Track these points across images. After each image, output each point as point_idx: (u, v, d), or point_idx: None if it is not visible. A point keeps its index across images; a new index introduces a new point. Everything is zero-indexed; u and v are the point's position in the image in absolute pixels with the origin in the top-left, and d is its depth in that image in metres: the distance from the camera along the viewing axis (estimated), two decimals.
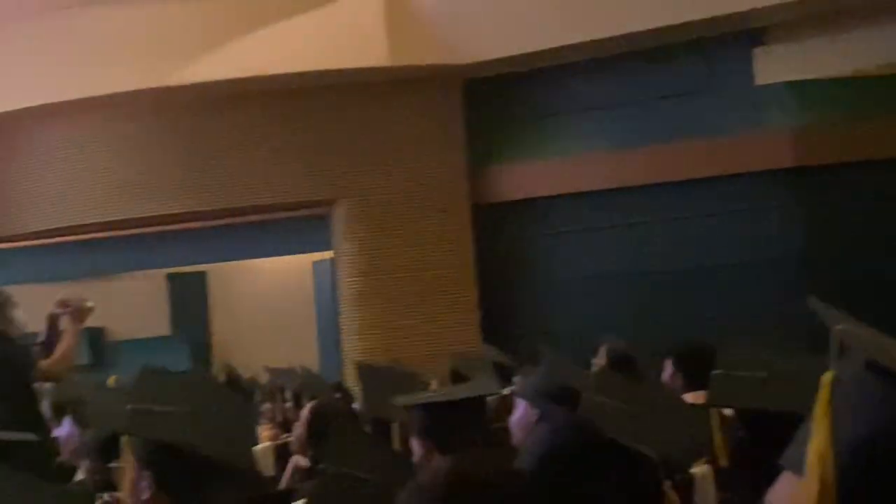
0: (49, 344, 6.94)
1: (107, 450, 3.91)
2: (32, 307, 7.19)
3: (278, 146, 11.83)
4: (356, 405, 6.66)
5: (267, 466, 5.81)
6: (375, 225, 11.84)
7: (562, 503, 2.22)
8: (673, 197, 10.91)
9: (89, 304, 7.11)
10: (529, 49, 11.15)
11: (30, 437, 4.35)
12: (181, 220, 12.46)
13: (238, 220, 12.66)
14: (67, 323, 6.97)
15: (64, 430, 5.05)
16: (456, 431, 3.59)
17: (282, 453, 6.07)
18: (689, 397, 4.44)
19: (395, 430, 3.89)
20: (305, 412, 5.42)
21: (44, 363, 6.68)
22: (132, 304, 14.06)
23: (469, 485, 1.99)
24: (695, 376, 4.78)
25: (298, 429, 5.46)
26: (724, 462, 3.27)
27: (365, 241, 11.90)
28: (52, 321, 7.00)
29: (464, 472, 2.03)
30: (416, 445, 3.66)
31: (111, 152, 12.11)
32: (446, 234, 11.85)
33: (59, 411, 6.18)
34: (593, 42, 10.84)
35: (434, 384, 6.27)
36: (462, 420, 3.68)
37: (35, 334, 7.22)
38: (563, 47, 10.96)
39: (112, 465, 3.72)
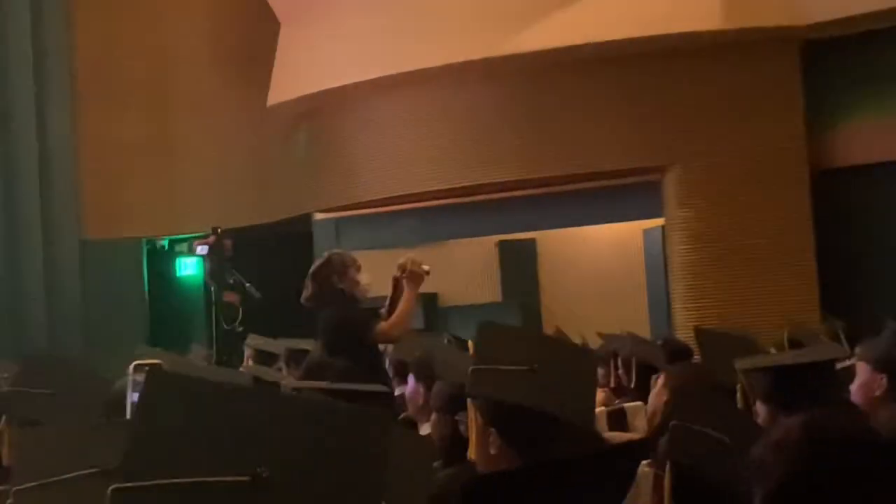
0: (392, 308, 7.14)
1: (453, 403, 4.00)
2: (371, 274, 7.47)
3: (609, 113, 11.80)
4: None
5: (601, 430, 5.80)
6: (708, 192, 11.63)
7: None
8: None
9: (426, 268, 7.24)
10: (869, 9, 10.68)
11: (379, 387, 4.50)
12: (512, 187, 12.63)
13: (569, 187, 12.70)
14: (405, 287, 7.11)
15: (409, 387, 5.20)
16: (803, 395, 3.49)
17: (616, 418, 6.05)
18: None
19: (738, 394, 3.80)
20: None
21: (382, 325, 6.87)
22: (464, 271, 14.37)
23: (826, 439, 1.92)
24: None
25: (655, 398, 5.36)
26: None
27: (697, 209, 11.70)
28: (396, 284, 7.18)
29: (820, 427, 1.96)
30: (760, 409, 3.58)
31: (445, 122, 12.41)
32: (783, 201, 11.50)
33: (402, 369, 6.39)
34: None
35: (773, 351, 6.12)
36: (809, 384, 3.57)
37: (376, 299, 7.47)
38: None
39: (458, 418, 3.80)
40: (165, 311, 15.79)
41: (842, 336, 6.19)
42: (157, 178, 15.09)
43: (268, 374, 5.80)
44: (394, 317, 6.99)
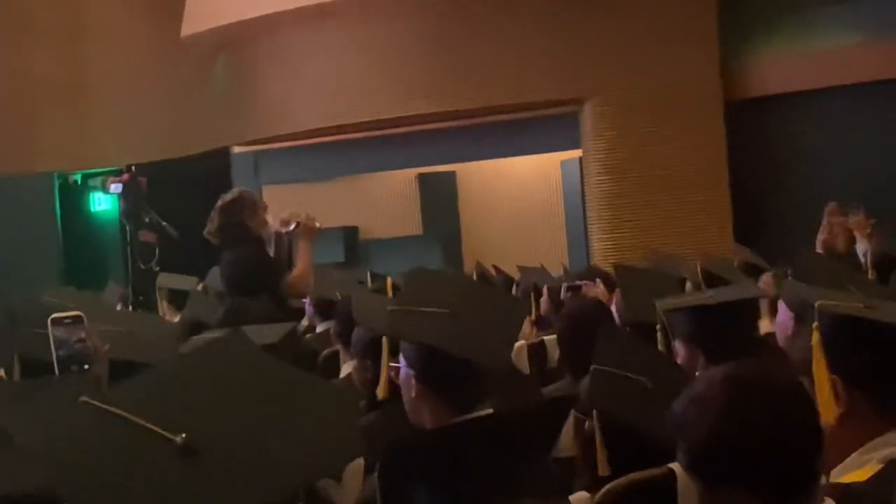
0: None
1: (373, 348, 3.99)
2: (288, 207, 7.35)
3: (527, 45, 11.77)
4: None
5: (522, 364, 5.84)
6: (624, 123, 11.68)
7: None
8: None
9: (317, 223, 6.94)
10: None
11: (292, 325, 4.44)
12: (432, 120, 12.58)
13: (487, 119, 12.69)
14: (300, 241, 6.86)
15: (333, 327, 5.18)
16: (723, 336, 3.52)
17: (537, 351, 6.10)
18: None
19: (658, 333, 3.82)
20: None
21: (291, 278, 6.67)
22: (384, 204, 14.34)
23: (747, 395, 1.93)
24: None
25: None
26: None
27: (613, 140, 11.76)
28: (279, 239, 6.91)
29: (741, 380, 1.97)
30: (680, 349, 3.61)
31: (362, 55, 12.29)
32: (698, 132, 11.60)
33: (324, 307, 6.36)
34: None
35: (689, 287, 6.19)
36: (729, 324, 3.60)
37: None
38: None
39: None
40: (79, 248, 15.55)
41: (745, 271, 6.28)
42: (69, 112, 14.78)
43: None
44: (300, 270, 6.73)
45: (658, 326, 3.76)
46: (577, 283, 6.79)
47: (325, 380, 1.86)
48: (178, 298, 7.73)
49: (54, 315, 2.89)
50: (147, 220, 8.73)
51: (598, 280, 6.68)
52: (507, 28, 11.81)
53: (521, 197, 14.12)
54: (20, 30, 14.59)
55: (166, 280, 8.31)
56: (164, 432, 1.45)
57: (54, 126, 14.72)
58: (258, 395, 1.56)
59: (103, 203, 15.48)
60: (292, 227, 6.77)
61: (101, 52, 14.83)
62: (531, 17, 11.77)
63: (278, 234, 6.84)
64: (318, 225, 6.82)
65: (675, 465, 2.35)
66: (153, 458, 1.46)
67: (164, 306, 7.70)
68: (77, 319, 2.84)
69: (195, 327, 4.77)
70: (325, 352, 5.64)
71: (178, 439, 1.44)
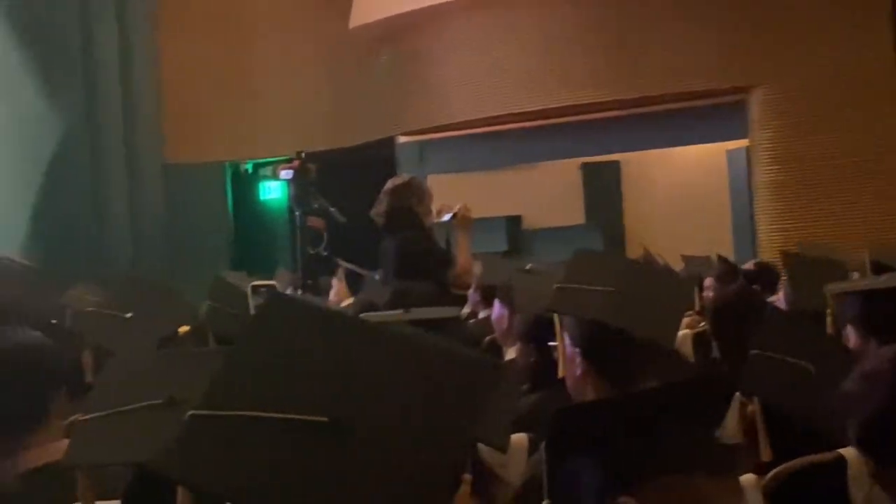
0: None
1: (536, 332, 4.01)
2: (452, 197, 7.38)
3: (694, 33, 11.62)
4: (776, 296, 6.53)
5: (686, 353, 5.78)
6: (793, 113, 11.44)
7: None
8: None
9: (471, 214, 6.91)
10: None
11: (454, 311, 4.49)
12: (595, 109, 12.53)
13: (652, 108, 12.57)
14: (459, 233, 6.85)
15: (495, 311, 5.21)
16: (894, 319, 3.45)
17: (700, 341, 6.03)
18: None
19: (828, 318, 3.77)
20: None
21: (456, 269, 6.68)
22: (547, 194, 14.33)
23: None
24: None
25: None
26: None
27: (782, 129, 11.53)
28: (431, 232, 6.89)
29: None
30: (851, 334, 3.55)
31: (523, 44, 12.32)
32: (871, 119, 11.28)
33: (489, 294, 6.40)
34: None
35: (856, 275, 6.05)
36: None
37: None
38: None
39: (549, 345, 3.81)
40: (249, 235, 15.94)
41: None
42: (240, 102, 15.15)
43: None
44: (462, 262, 6.73)
45: (828, 311, 3.71)
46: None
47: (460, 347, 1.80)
48: (354, 282, 7.86)
49: (253, 283, 3.04)
50: (315, 206, 8.91)
51: None
52: (669, 14, 11.68)
53: (686, 186, 13.96)
54: (191, 21, 15.01)
55: (345, 263, 8.41)
56: (307, 417, 1.38)
57: (225, 116, 15.10)
58: (383, 366, 1.48)
59: (273, 192, 15.83)
60: (448, 217, 6.80)
61: (270, 43, 15.16)
62: (695, 2, 11.62)
63: (432, 226, 6.88)
64: (472, 215, 6.83)
65: (845, 451, 2.31)
66: (307, 447, 1.38)
67: (340, 288, 7.80)
68: (271, 288, 2.99)
69: (366, 307, 4.87)
70: (488, 338, 5.68)
71: (325, 419, 1.38)
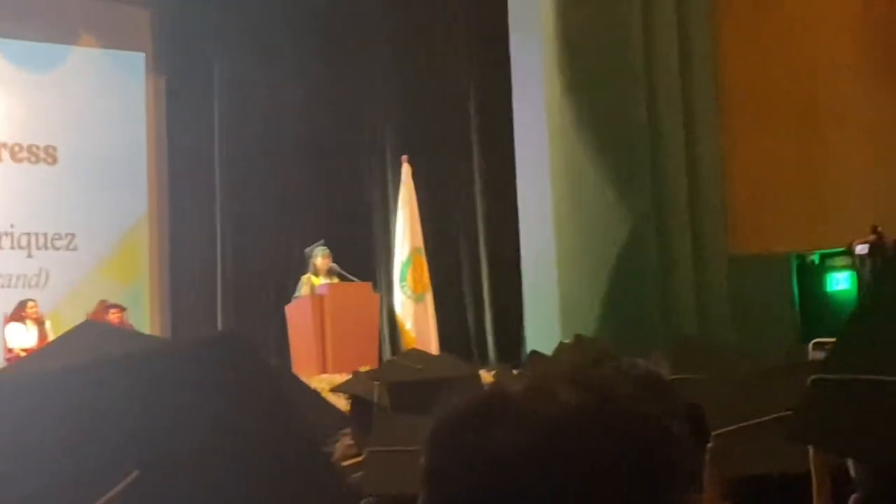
0: None
1: None
2: None
3: None
4: None
5: None
6: None
7: None
8: None
9: None
10: None
11: None
12: None
13: None
14: None
15: None
16: None
17: None
18: None
19: None
20: None
21: None
22: None
23: None
24: None
25: None
26: None
27: None
28: None
29: None
30: None
31: None
32: None
33: None
34: None
35: None
36: None
37: None
38: None
39: None
40: (815, 329, 15.47)
41: None
42: (805, 191, 14.87)
43: None
44: None
45: None
46: None
47: None
48: None
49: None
50: None
51: None
52: None
53: None
54: (757, 108, 14.98)
55: None
56: None
57: (791, 204, 14.85)
58: None
59: (841, 283, 15.33)
60: None
61: (835, 128, 14.79)
62: None
63: None
64: None
65: None
66: None
67: None
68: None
69: None
70: None
71: None
